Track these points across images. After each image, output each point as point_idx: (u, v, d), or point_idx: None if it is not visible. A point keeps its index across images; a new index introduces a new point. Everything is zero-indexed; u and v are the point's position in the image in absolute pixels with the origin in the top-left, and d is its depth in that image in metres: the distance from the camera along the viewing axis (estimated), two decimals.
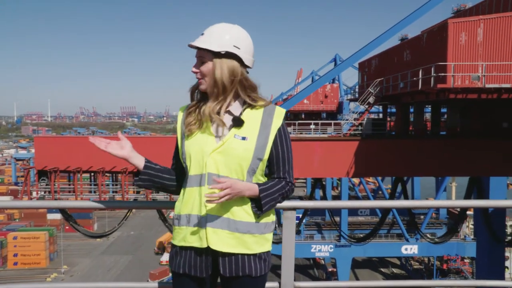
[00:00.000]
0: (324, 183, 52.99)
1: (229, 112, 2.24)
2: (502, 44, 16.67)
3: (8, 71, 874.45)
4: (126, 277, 47.02)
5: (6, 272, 50.00)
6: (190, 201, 2.22)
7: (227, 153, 2.16)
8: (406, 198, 23.49)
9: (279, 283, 2.50)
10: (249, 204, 2.19)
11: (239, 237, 2.17)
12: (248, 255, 2.19)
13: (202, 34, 2.21)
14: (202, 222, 2.16)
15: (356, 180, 55.16)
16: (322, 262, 50.04)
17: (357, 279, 44.97)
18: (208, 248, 2.16)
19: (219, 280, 2.30)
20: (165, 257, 52.44)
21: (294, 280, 2.50)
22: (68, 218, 21.98)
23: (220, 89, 2.19)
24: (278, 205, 2.32)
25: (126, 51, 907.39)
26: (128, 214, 24.37)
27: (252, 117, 2.22)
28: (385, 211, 26.36)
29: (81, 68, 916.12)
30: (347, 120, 22.27)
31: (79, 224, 24.00)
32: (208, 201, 2.10)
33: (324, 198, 29.77)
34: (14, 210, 63.32)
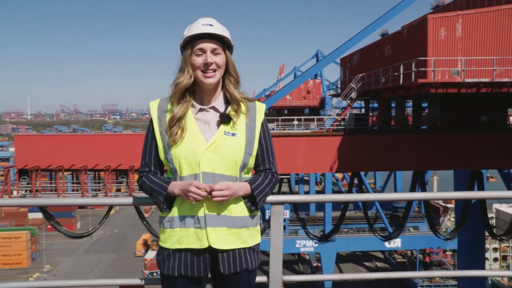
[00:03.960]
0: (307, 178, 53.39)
1: (214, 108, 2.23)
2: (480, 39, 16.97)
3: None
4: (110, 276, 46.52)
5: None
6: (184, 202, 2.18)
7: (219, 151, 2.14)
8: (361, 191, 24.18)
9: (268, 276, 2.53)
10: (242, 200, 2.22)
11: (236, 232, 2.19)
12: (244, 249, 2.22)
13: (210, 25, 2.14)
14: (201, 222, 2.15)
15: (339, 175, 55.63)
16: (307, 257, 50.40)
17: (341, 273, 45.44)
18: (206, 247, 2.16)
19: (209, 275, 2.31)
20: (150, 255, 52.05)
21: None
22: (49, 218, 21.54)
23: (231, 83, 2.23)
24: (267, 199, 2.34)
25: (107, 48, 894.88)
26: (108, 213, 23.99)
27: (237, 112, 2.21)
28: (344, 206, 26.70)
29: (62, 65, 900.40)
30: (329, 115, 22.43)
31: (61, 223, 23.54)
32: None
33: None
34: None
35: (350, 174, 24.96)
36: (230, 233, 2.17)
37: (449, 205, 47.95)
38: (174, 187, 2.17)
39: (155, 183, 2.22)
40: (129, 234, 61.19)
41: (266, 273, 2.56)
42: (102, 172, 20.75)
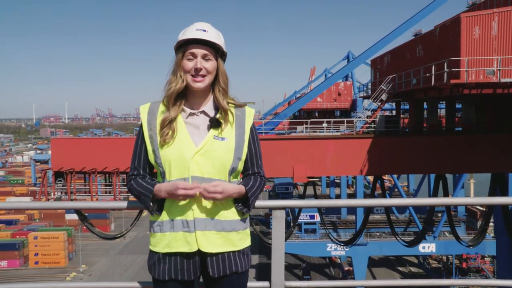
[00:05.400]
0: (338, 181, 52.69)
1: (204, 113, 2.25)
2: None
3: (27, 74, 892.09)
4: (142, 277, 47.43)
5: (28, 271, 51.12)
6: (174, 206, 2.20)
7: (209, 155, 2.16)
8: (384, 195, 23.79)
9: (270, 282, 2.50)
10: (232, 203, 2.23)
11: (225, 235, 2.20)
12: (234, 252, 2.23)
13: (204, 30, 2.15)
14: (190, 226, 2.17)
15: (371, 178, 54.69)
16: (338, 261, 49.72)
17: (374, 278, 44.59)
18: (196, 251, 2.18)
19: (201, 280, 2.33)
20: None
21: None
22: (83, 219, 22.17)
23: (219, 91, 2.23)
24: (268, 204, 2.34)
25: (141, 51, 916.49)
26: (139, 215, 24.32)
27: (226, 117, 2.23)
28: (368, 211, 26.09)
29: (97, 70, 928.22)
30: (359, 117, 22.09)
31: (94, 225, 24.11)
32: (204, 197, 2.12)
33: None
34: (34, 210, 64.57)
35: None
36: (219, 236, 2.18)
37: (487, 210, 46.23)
38: (160, 190, 2.18)
39: (143, 186, 2.23)
40: None
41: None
42: None
